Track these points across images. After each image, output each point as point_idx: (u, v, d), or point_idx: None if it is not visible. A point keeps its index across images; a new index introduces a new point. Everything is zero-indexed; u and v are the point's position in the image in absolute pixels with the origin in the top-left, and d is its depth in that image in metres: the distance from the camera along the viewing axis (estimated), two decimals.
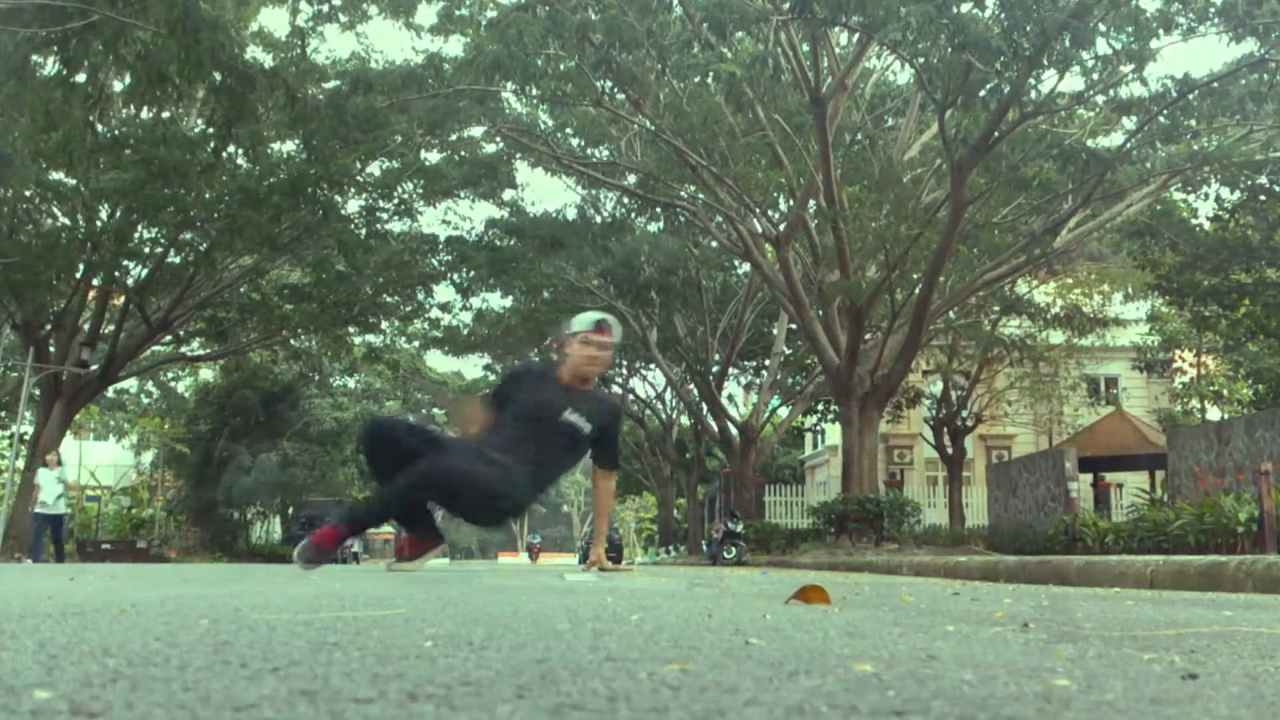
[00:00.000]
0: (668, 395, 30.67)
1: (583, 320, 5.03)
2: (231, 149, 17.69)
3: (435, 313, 26.98)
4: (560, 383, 4.96)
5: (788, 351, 24.72)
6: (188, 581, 3.84)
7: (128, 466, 36.23)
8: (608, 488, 5.29)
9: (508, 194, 22.82)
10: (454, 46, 61.40)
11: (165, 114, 16.64)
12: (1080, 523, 11.83)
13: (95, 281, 20.78)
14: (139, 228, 19.40)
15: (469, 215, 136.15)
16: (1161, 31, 11.27)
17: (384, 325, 27.30)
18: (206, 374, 35.00)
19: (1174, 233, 18.56)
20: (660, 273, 21.47)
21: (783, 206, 18.78)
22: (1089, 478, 19.34)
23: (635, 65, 14.63)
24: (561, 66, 14.67)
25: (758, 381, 28.36)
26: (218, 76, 11.89)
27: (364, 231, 21.19)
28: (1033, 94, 13.04)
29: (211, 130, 14.37)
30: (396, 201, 21.44)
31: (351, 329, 25.53)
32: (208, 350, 27.18)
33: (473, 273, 22.96)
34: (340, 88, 15.98)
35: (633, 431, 32.26)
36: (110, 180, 16.62)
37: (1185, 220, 18.93)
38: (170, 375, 34.19)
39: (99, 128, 14.88)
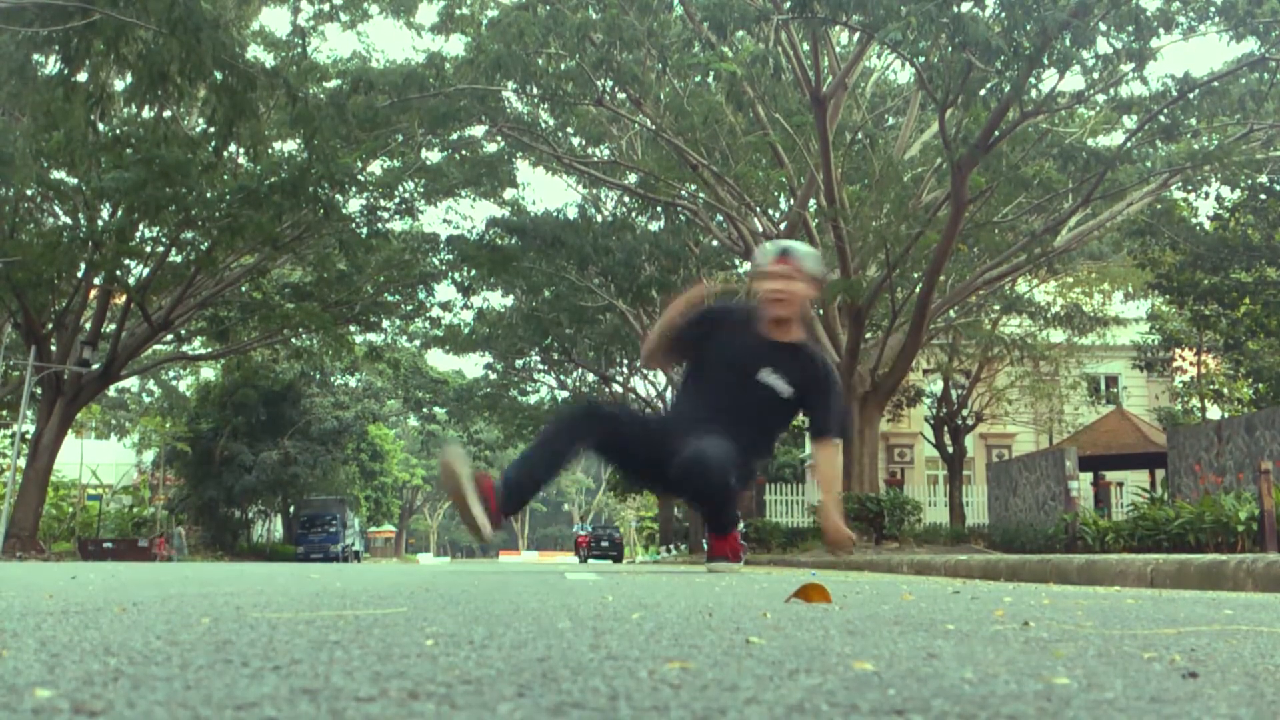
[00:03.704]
0: (669, 394, 30.69)
1: (764, 252, 4.48)
2: (232, 148, 17.68)
3: (436, 311, 27.04)
4: (760, 334, 4.38)
5: None
6: (189, 580, 3.85)
7: (129, 465, 36.25)
8: (828, 458, 4.56)
9: (509, 193, 22.87)
10: (455, 46, 61.32)
11: (166, 113, 16.63)
12: (1080, 521, 11.82)
13: (97, 281, 20.79)
14: (140, 227, 19.41)
15: (470, 214, 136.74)
16: (1162, 30, 11.27)
17: (385, 324, 27.34)
18: (208, 373, 35.02)
19: (1174, 232, 18.56)
20: (661, 272, 21.47)
21: (783, 205, 18.78)
22: (1089, 476, 19.32)
23: (636, 64, 14.64)
24: (562, 66, 14.68)
25: None
26: (219, 76, 11.88)
27: (365, 230, 21.20)
28: (1033, 93, 13.03)
29: (212, 129, 14.36)
30: (398, 200, 21.46)
31: (353, 328, 25.55)
32: (209, 349, 27.19)
33: (474, 272, 22.97)
34: (341, 87, 15.99)
35: None
36: (111, 179, 16.62)
37: (1185, 219, 18.93)
38: (171, 374, 34.20)
39: (100, 127, 14.86)
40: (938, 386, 25.57)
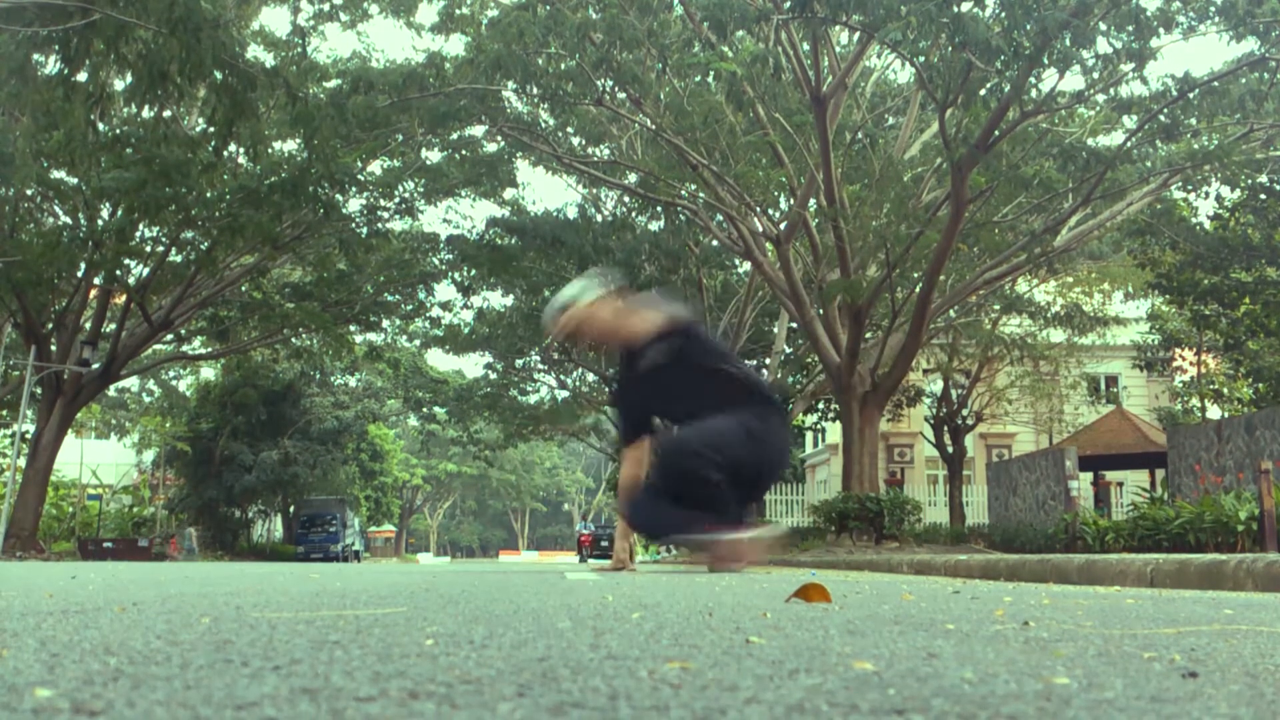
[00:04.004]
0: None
1: (549, 318, 4.92)
2: (232, 148, 17.69)
3: (436, 311, 27.04)
4: (624, 360, 4.90)
5: (788, 350, 24.70)
6: (189, 580, 3.85)
7: (129, 465, 36.26)
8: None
9: (509, 193, 22.86)
10: (455, 45, 61.21)
11: (166, 113, 16.64)
12: (1080, 521, 11.82)
13: (97, 280, 20.79)
14: (140, 226, 19.40)
15: (470, 214, 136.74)
16: (1162, 30, 11.27)
17: (385, 324, 27.35)
18: (208, 373, 35.02)
19: (1174, 231, 18.56)
20: (661, 272, 21.46)
21: (783, 205, 18.76)
22: (1089, 476, 19.34)
23: (636, 64, 14.63)
24: (562, 66, 14.66)
25: None
26: (219, 75, 11.89)
27: (365, 230, 21.20)
28: (1033, 93, 13.02)
29: (212, 129, 14.37)
30: (397, 200, 21.46)
31: (352, 327, 25.56)
32: (209, 349, 27.20)
33: (474, 271, 22.96)
34: (341, 87, 15.98)
35: None
36: (112, 179, 16.62)
37: (1185, 219, 18.92)
38: (171, 374, 34.21)
39: (100, 126, 14.88)
40: (938, 386, 25.57)
